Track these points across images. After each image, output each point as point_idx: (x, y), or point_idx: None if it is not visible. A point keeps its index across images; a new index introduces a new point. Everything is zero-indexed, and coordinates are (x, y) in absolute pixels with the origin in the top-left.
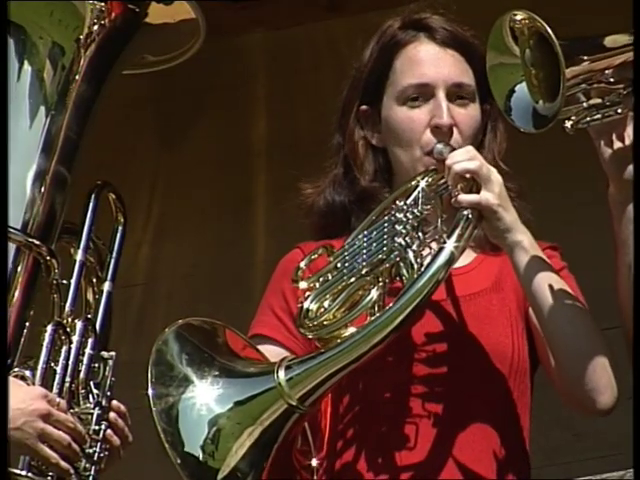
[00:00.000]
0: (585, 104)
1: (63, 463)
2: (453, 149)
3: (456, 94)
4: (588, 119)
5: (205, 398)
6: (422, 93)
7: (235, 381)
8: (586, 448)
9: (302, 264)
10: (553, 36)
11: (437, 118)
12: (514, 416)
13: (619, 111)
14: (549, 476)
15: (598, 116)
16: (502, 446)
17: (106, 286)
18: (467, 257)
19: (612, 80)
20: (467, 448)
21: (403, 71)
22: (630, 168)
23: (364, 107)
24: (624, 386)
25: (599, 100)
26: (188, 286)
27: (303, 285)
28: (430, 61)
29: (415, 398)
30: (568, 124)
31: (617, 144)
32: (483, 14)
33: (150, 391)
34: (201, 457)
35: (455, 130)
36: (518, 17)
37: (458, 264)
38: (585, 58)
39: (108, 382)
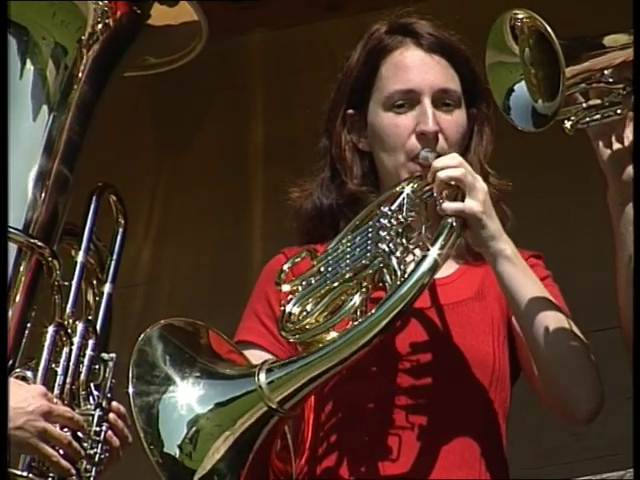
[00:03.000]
0: (584, 104)
1: (63, 462)
2: (438, 155)
3: (442, 100)
4: (587, 119)
5: (186, 398)
6: (408, 99)
7: (216, 383)
8: (586, 448)
9: (285, 267)
10: (553, 35)
11: (422, 125)
12: (494, 424)
13: (618, 112)
14: (549, 476)
15: (597, 116)
16: (482, 454)
17: (106, 288)
18: (449, 268)
19: (611, 80)
20: (449, 457)
21: (389, 77)
22: (629, 169)
23: (350, 111)
24: (623, 386)
25: (598, 101)
26: (188, 287)
27: (286, 288)
28: (416, 67)
29: (398, 408)
30: (568, 124)
31: (616, 145)
32: (482, 13)
33: (130, 389)
34: (178, 456)
35: (440, 136)
36: (519, 16)
37: (440, 275)
38: (585, 57)
39: (108, 384)
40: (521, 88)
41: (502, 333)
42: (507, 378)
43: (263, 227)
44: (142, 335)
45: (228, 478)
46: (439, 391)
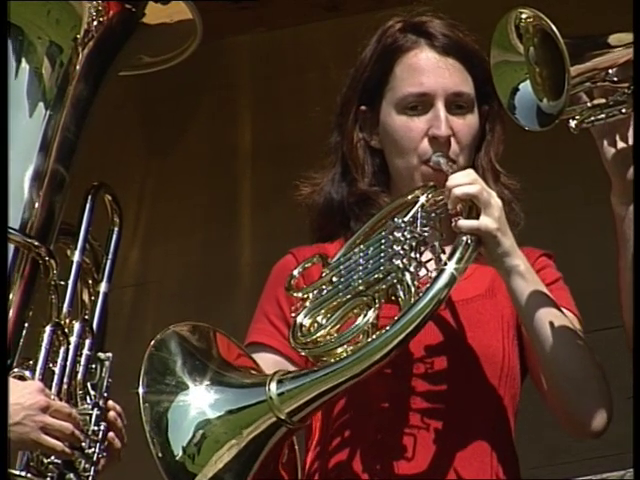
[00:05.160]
0: (589, 103)
1: (69, 450)
2: (451, 160)
3: (455, 103)
4: (592, 118)
5: (197, 402)
6: (421, 102)
7: (227, 390)
8: (586, 448)
9: (295, 272)
10: (558, 34)
11: (435, 129)
12: (504, 419)
13: (623, 111)
14: (549, 476)
15: (602, 116)
16: (493, 449)
17: (102, 287)
18: None
19: (616, 79)
20: (460, 451)
21: (403, 78)
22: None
23: (363, 108)
24: (624, 386)
25: (603, 100)
26: (177, 289)
27: (297, 294)
28: (430, 70)
29: (411, 405)
30: (572, 123)
31: (620, 144)
32: (484, 13)
33: (140, 390)
34: (179, 457)
35: (453, 140)
36: (524, 15)
37: None
38: (589, 56)
39: (105, 383)
40: (526, 87)
41: (512, 330)
42: (517, 374)
43: (252, 228)
44: (153, 340)
45: None
46: (449, 385)
